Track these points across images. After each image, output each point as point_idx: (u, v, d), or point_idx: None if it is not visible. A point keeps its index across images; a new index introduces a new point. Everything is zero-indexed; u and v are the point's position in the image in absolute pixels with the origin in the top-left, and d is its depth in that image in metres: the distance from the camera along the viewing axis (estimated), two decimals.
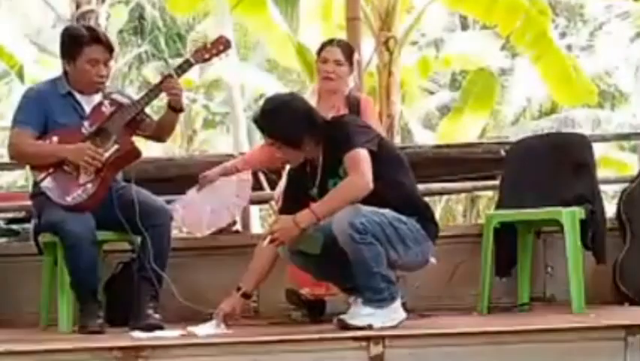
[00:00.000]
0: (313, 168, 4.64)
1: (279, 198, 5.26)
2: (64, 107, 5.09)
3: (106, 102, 5.09)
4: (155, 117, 5.30)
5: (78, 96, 5.12)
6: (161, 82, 5.09)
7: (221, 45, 5.17)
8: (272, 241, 4.50)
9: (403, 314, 4.50)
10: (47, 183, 5.01)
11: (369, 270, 4.39)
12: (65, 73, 5.16)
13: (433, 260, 4.68)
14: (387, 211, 4.44)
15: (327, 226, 4.46)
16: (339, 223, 4.38)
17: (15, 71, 16.16)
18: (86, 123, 5.06)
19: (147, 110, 5.21)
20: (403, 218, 4.48)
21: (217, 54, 5.17)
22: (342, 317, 4.43)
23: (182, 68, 5.11)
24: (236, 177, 5.57)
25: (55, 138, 5.03)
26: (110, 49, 5.14)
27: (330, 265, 4.58)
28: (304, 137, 4.55)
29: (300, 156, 4.64)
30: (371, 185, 4.39)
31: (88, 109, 5.11)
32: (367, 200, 4.41)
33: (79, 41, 5.08)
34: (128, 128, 5.08)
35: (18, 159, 5.23)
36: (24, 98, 5.18)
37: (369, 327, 4.30)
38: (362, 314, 4.39)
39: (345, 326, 4.35)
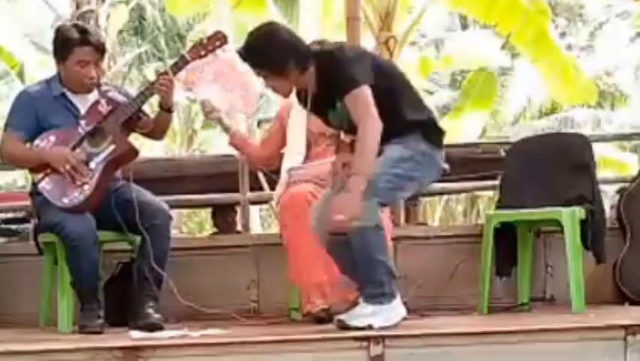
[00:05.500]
0: (305, 98, 4.62)
1: (279, 198, 5.25)
2: (57, 109, 5.08)
3: (102, 101, 5.07)
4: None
5: (71, 96, 5.11)
6: (157, 79, 5.07)
7: (217, 41, 5.10)
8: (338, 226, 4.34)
9: (402, 312, 4.49)
10: (45, 185, 5.00)
11: (371, 257, 4.36)
12: (59, 73, 5.17)
13: (446, 166, 4.69)
14: (384, 164, 4.41)
15: None
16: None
17: (15, 71, 16.18)
18: (82, 123, 5.04)
19: (145, 107, 5.19)
20: (405, 155, 4.45)
21: (213, 50, 5.10)
22: (341, 317, 4.41)
23: (178, 65, 5.06)
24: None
25: (52, 138, 5.02)
26: (100, 49, 5.12)
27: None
28: (288, 64, 4.51)
29: (287, 86, 4.60)
30: (380, 122, 4.39)
31: (82, 108, 5.09)
32: None
33: (69, 42, 5.07)
34: (125, 128, 5.05)
35: (7, 161, 5.25)
36: (16, 101, 5.17)
37: (370, 327, 4.30)
38: (362, 314, 4.37)
39: (345, 327, 4.34)
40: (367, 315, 4.36)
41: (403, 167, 4.48)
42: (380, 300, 4.40)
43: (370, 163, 4.37)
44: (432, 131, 4.60)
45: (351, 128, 4.53)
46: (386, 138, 4.44)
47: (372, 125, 4.39)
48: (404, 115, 4.55)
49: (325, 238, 4.57)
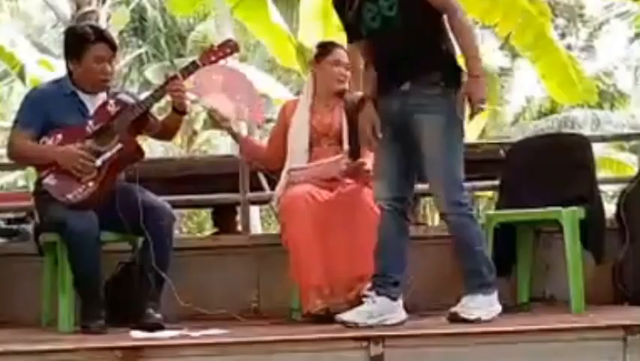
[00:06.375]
0: None
1: (279, 198, 5.26)
2: (67, 107, 5.10)
3: (111, 102, 5.11)
4: (159, 117, 5.32)
5: (82, 96, 5.14)
6: (166, 83, 5.10)
7: (228, 48, 5.16)
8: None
9: (404, 315, 4.54)
10: (49, 180, 5.03)
11: (472, 249, 4.54)
12: (70, 73, 5.18)
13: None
14: (446, 153, 4.71)
15: None
16: (444, 202, 4.58)
17: (16, 71, 16.16)
18: (90, 122, 5.07)
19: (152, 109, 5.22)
20: (442, 125, 4.62)
21: (224, 57, 5.16)
22: (454, 309, 4.50)
23: (188, 70, 5.11)
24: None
25: (59, 136, 5.05)
26: (113, 47, 5.18)
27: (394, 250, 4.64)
28: None
29: None
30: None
31: (92, 108, 5.12)
32: (406, 58, 4.53)
33: (85, 40, 5.11)
34: (133, 129, 5.08)
35: (15, 159, 5.27)
36: (26, 99, 5.21)
37: (478, 320, 4.42)
38: (472, 307, 4.48)
39: (456, 320, 4.46)
40: (475, 307, 4.48)
41: (452, 137, 4.71)
42: (484, 290, 4.52)
43: (475, 43, 4.56)
44: (453, 70, 4.62)
45: (385, 22, 4.57)
46: (410, 73, 4.56)
47: (461, 15, 4.51)
48: (440, 44, 4.59)
49: (392, 207, 4.63)
